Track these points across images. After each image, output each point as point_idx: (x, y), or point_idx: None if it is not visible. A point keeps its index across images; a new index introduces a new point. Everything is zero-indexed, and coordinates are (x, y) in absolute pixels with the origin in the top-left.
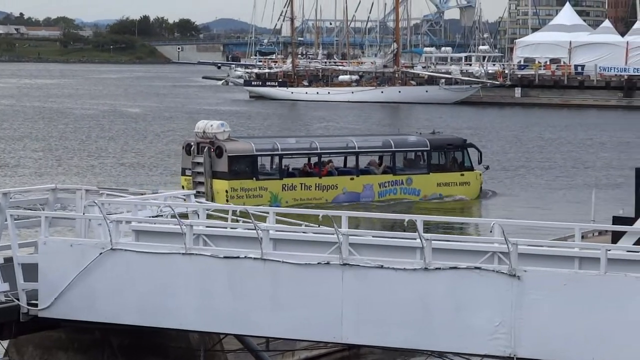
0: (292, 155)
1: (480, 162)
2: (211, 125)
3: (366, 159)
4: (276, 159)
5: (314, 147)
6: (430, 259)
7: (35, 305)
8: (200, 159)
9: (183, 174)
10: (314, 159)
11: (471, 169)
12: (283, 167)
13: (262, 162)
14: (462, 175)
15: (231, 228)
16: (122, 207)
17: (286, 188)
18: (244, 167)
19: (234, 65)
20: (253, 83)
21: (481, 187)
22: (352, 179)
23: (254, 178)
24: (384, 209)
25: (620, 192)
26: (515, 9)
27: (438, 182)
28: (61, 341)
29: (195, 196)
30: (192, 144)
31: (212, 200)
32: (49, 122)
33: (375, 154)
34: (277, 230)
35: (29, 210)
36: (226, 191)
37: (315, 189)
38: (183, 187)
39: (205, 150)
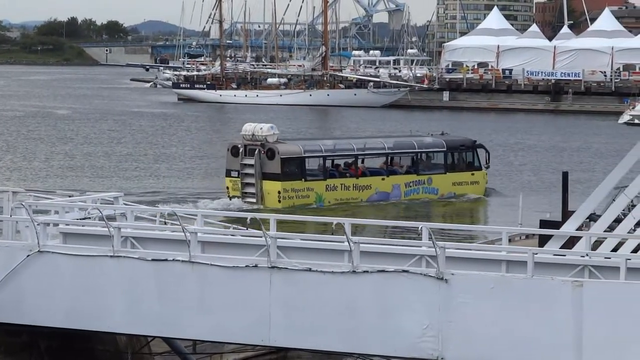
0: (334, 157)
1: (488, 162)
2: (261, 128)
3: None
4: (320, 160)
5: (351, 148)
6: (358, 262)
7: None
8: (249, 161)
9: (228, 175)
10: (349, 160)
11: (480, 168)
12: (326, 168)
13: (309, 164)
14: (473, 174)
15: (159, 230)
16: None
17: (329, 188)
18: (294, 168)
19: (162, 68)
20: (181, 85)
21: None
22: (383, 179)
23: (303, 179)
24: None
25: (548, 196)
26: (444, 12)
27: (453, 182)
28: None
29: (244, 197)
30: (239, 146)
31: (262, 201)
32: None
33: (402, 154)
34: (205, 233)
35: None
36: (278, 192)
37: (353, 189)
38: (228, 188)
39: (255, 152)
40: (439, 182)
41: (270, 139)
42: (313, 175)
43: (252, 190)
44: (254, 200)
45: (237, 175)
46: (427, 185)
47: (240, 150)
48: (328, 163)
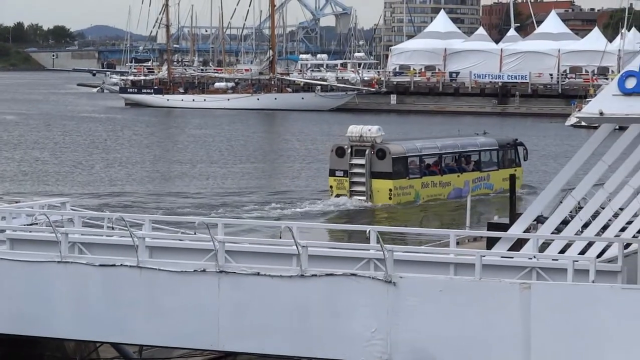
0: (426, 156)
1: (526, 158)
2: (369, 130)
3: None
4: (417, 159)
5: (436, 147)
6: (306, 265)
7: None
8: (358, 161)
9: (332, 175)
10: (436, 159)
11: (520, 165)
12: (421, 166)
13: (410, 162)
14: (515, 170)
15: (107, 236)
16: None
17: (424, 185)
18: (401, 167)
19: (109, 73)
20: (129, 90)
21: None
22: (458, 176)
23: (407, 177)
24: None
25: (495, 198)
26: (391, 16)
27: (503, 177)
28: None
29: (352, 195)
30: (345, 147)
31: (371, 198)
32: None
33: (470, 153)
34: (153, 238)
35: None
36: (390, 190)
37: (439, 186)
38: (331, 187)
39: (366, 152)
40: (494, 178)
41: (378, 139)
42: (413, 173)
43: (360, 188)
44: (363, 198)
45: (342, 175)
46: (487, 181)
47: (347, 151)
48: (421, 162)
